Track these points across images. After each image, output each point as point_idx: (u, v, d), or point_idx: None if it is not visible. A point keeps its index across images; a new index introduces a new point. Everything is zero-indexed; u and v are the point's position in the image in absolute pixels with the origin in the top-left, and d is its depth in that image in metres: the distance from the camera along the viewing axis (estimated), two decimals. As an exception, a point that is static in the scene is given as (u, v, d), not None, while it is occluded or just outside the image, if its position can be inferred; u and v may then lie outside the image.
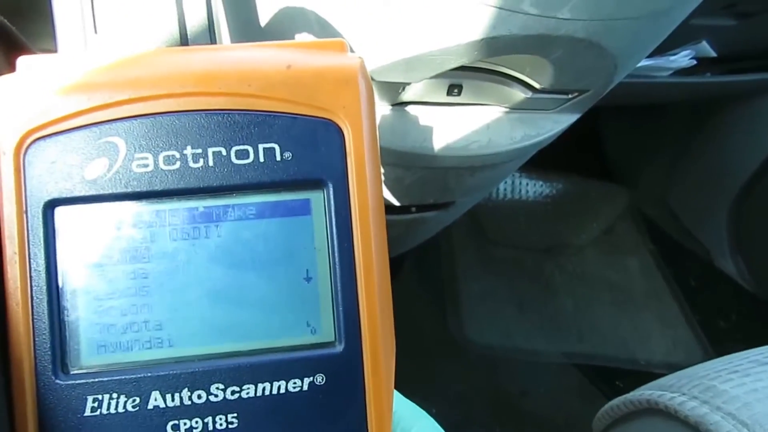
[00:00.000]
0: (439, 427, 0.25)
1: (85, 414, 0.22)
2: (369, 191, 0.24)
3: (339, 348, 0.23)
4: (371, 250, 0.24)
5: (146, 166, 0.23)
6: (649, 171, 1.38)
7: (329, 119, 0.24)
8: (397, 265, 1.21)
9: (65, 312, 0.22)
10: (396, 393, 0.25)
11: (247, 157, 0.23)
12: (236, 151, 0.23)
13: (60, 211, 0.22)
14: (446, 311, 1.20)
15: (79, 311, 0.22)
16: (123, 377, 0.22)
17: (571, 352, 1.19)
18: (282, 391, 0.23)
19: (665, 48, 0.79)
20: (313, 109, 0.24)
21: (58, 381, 0.22)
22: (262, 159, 0.23)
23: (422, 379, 1.08)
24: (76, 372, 0.22)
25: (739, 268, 1.25)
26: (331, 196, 0.24)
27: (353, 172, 0.24)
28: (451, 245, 1.28)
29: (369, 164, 0.24)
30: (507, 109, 0.54)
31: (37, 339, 0.22)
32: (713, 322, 1.26)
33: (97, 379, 0.22)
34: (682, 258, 1.33)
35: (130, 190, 0.22)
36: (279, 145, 0.23)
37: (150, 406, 0.22)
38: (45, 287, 0.22)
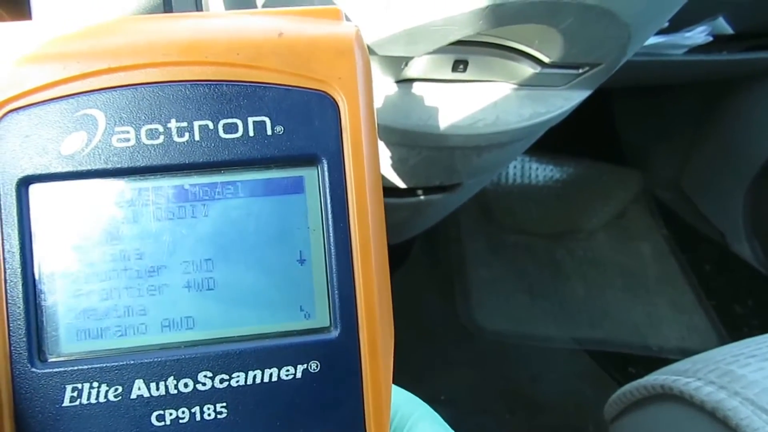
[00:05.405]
0: (437, 414, 0.24)
1: (64, 404, 0.20)
2: (366, 168, 0.23)
3: (334, 334, 0.22)
4: (368, 230, 0.22)
5: (127, 140, 0.21)
6: (663, 154, 1.36)
7: (323, 91, 0.22)
8: (405, 251, 1.19)
9: (42, 296, 0.21)
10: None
11: (236, 132, 0.22)
12: (224, 125, 0.22)
13: (35, 189, 0.21)
14: (456, 298, 1.19)
15: (57, 295, 0.21)
16: (104, 365, 0.21)
17: (582, 338, 1.18)
18: (274, 378, 0.22)
19: (680, 24, 0.77)
20: (306, 80, 0.22)
21: (34, 369, 0.20)
22: (251, 133, 0.22)
23: (432, 366, 1.06)
24: (53, 360, 0.21)
25: (755, 252, 1.23)
26: (326, 174, 0.22)
27: (349, 148, 0.22)
28: (460, 231, 1.26)
29: (366, 139, 0.23)
30: (515, 86, 0.52)
31: (11, 325, 0.20)
32: (729, 307, 1.24)
33: (76, 367, 0.21)
34: (696, 242, 1.31)
35: (110, 166, 0.21)
36: (270, 119, 0.22)
37: (133, 396, 0.21)
38: (19, 270, 0.20)
